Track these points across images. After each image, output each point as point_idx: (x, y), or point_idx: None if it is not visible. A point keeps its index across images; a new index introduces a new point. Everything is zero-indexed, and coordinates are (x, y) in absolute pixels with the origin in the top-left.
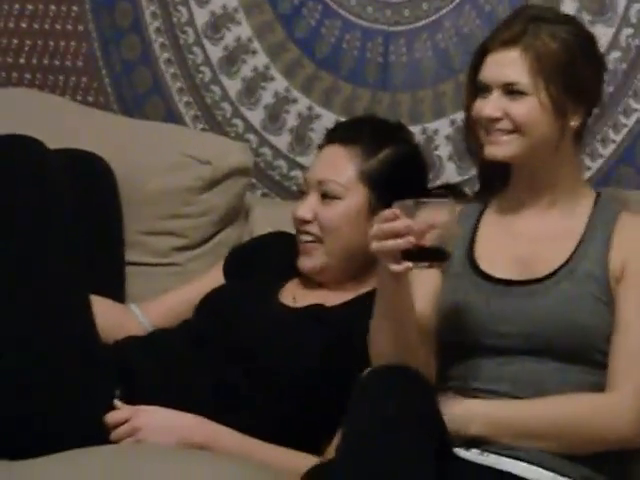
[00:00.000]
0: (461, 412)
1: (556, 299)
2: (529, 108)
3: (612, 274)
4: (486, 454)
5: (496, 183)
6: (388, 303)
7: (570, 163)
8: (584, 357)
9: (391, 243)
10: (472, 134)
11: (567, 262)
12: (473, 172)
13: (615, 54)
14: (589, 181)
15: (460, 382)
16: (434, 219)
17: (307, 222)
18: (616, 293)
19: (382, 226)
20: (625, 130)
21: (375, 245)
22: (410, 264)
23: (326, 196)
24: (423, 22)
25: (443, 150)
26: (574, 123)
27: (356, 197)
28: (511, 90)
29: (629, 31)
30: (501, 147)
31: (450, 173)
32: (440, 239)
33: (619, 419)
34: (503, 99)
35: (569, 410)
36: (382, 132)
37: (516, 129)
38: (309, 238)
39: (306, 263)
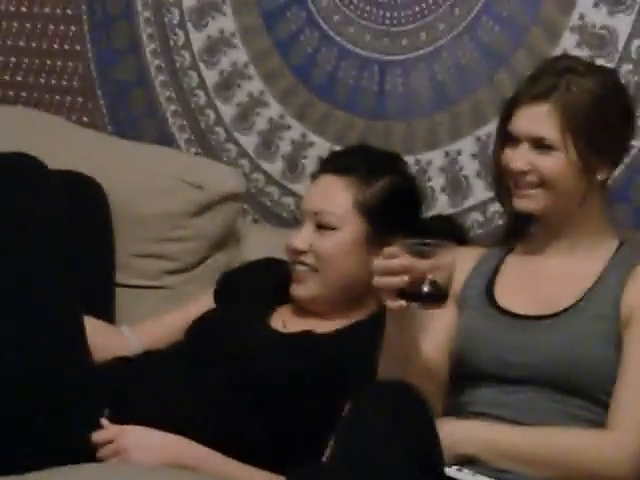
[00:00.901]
0: (460, 432)
1: (563, 336)
2: (557, 163)
3: (622, 317)
4: (478, 476)
5: (522, 229)
6: (392, 341)
7: (595, 213)
8: (586, 394)
9: (387, 280)
10: (500, 182)
11: (580, 301)
12: (465, 204)
13: None
14: None
15: (465, 407)
16: (437, 261)
17: (302, 252)
18: (624, 336)
19: (381, 262)
20: (622, 167)
21: (375, 280)
22: (404, 303)
23: (322, 227)
24: (420, 52)
25: (436, 181)
26: (601, 177)
27: (352, 227)
28: (540, 144)
29: (629, 67)
30: (528, 200)
31: (442, 205)
32: (440, 281)
33: (617, 457)
34: (531, 152)
35: (570, 442)
36: (378, 162)
37: (542, 183)
38: (304, 268)
39: (299, 291)
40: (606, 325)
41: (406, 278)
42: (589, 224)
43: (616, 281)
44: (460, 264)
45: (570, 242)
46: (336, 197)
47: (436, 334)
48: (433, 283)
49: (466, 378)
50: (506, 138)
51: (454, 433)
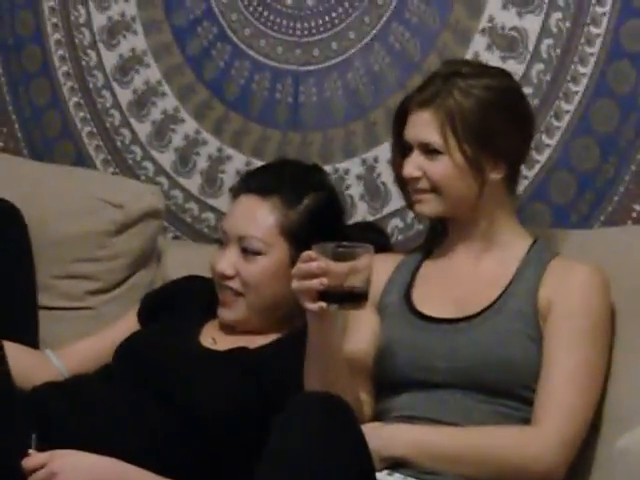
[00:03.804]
0: (387, 435)
1: (483, 336)
2: (444, 167)
3: (540, 312)
4: (409, 479)
5: (442, 233)
6: (313, 344)
7: (499, 210)
8: (510, 392)
9: (306, 283)
10: (405, 189)
11: (497, 300)
12: (385, 211)
13: (527, 90)
14: None
15: (392, 413)
16: (354, 263)
17: (228, 277)
18: (543, 330)
19: (300, 266)
20: (538, 166)
21: (293, 284)
22: (324, 304)
23: (247, 251)
24: (333, 61)
25: (355, 190)
26: (495, 176)
27: (277, 252)
28: (427, 150)
29: (540, 67)
30: (425, 205)
31: (362, 212)
32: (358, 283)
33: (541, 452)
34: (421, 158)
35: (492, 439)
36: (300, 180)
37: (433, 188)
38: (230, 292)
39: (226, 315)
40: (526, 322)
41: (325, 280)
42: (497, 223)
43: (532, 277)
44: (378, 270)
45: (482, 243)
46: (260, 221)
47: (360, 336)
48: (351, 285)
49: (391, 385)
50: (400, 146)
51: (381, 437)
